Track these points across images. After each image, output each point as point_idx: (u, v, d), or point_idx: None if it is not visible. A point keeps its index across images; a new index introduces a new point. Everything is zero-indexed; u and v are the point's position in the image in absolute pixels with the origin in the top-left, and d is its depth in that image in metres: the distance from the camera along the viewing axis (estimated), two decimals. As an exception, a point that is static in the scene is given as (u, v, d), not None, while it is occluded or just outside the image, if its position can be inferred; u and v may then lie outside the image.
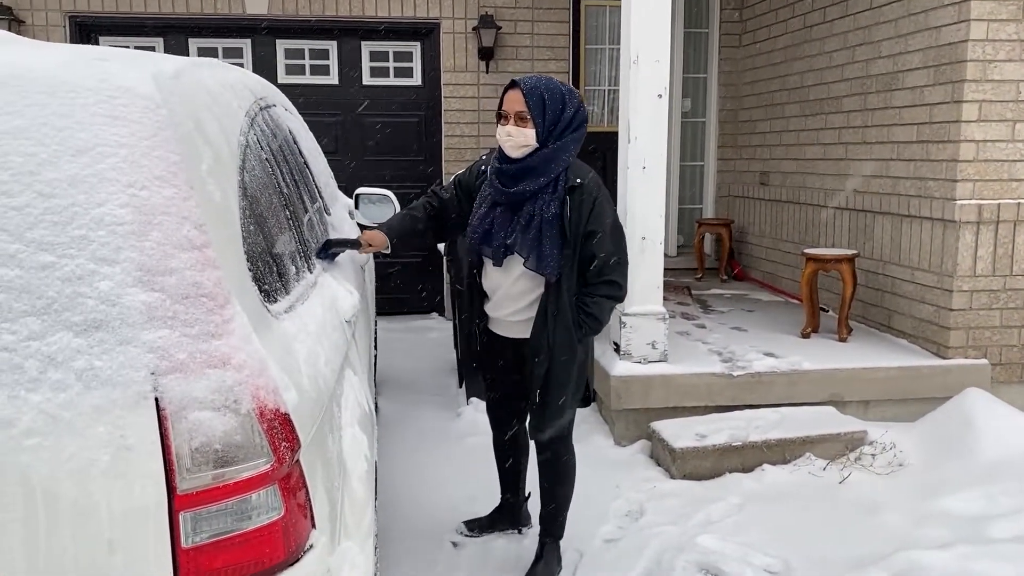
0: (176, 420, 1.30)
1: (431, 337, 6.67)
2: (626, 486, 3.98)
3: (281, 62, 7.06)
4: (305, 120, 6.51)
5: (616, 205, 4.67)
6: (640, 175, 4.44)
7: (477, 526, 3.46)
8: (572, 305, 2.84)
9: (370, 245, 2.99)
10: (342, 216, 3.66)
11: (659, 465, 4.26)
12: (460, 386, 3.23)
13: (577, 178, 2.80)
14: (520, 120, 2.76)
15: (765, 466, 4.14)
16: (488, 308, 3.06)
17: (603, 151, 7.09)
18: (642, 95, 4.39)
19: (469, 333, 3.18)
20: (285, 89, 6.85)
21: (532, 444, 3.15)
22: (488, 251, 2.90)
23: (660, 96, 4.41)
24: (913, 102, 4.95)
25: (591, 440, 4.52)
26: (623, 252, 2.89)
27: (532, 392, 2.93)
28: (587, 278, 2.84)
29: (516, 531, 3.48)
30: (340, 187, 4.59)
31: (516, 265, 2.86)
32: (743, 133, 7.37)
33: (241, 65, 6.83)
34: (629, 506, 3.80)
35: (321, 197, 3.18)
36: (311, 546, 1.47)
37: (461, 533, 3.46)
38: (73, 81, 1.49)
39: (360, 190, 3.97)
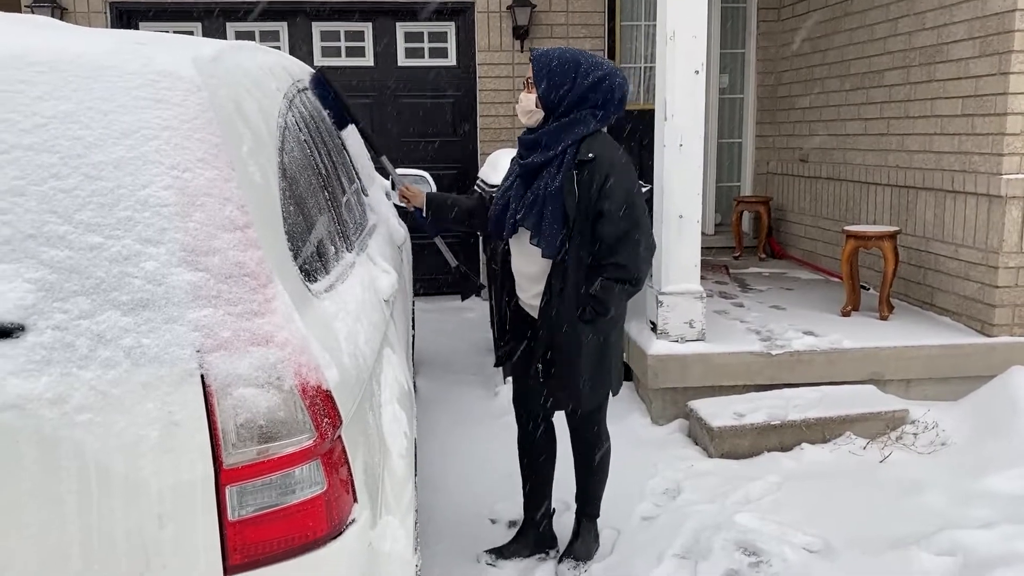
0: (221, 396, 1.33)
1: (468, 317, 6.70)
2: (663, 465, 3.99)
3: (317, 45, 7.10)
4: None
5: (652, 184, 4.69)
6: (676, 153, 4.41)
7: (499, 554, 3.18)
8: (580, 287, 2.71)
9: (408, 196, 3.04)
10: (379, 197, 3.68)
11: (696, 444, 4.25)
12: (496, 366, 3.18)
13: (590, 152, 2.65)
14: (530, 87, 2.71)
15: (804, 445, 4.11)
16: (517, 289, 2.97)
17: (639, 129, 7.04)
18: (679, 71, 4.35)
19: (500, 316, 3.10)
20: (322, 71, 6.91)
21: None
22: (502, 226, 2.83)
23: (697, 72, 4.36)
24: (958, 74, 4.84)
25: (628, 419, 4.52)
26: (635, 233, 2.68)
27: (532, 367, 2.85)
28: (598, 258, 2.70)
29: (542, 555, 3.20)
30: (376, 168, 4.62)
31: (527, 242, 2.77)
32: (782, 109, 7.26)
33: (278, 48, 6.91)
34: (666, 484, 3.81)
35: (359, 178, 3.21)
36: (353, 520, 1.50)
37: (484, 562, 3.16)
38: (117, 66, 1.52)
39: (397, 171, 3.98)
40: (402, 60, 7.16)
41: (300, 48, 6.99)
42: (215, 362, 1.34)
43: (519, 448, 3.20)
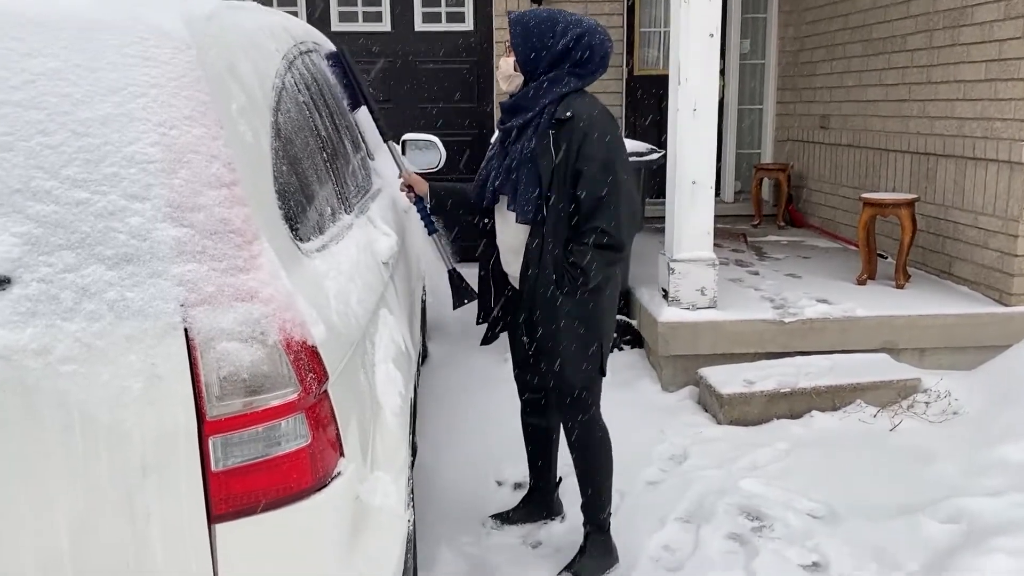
0: (205, 350, 1.35)
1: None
2: (671, 431, 4.00)
3: (335, 9, 7.07)
4: (359, 67, 6.50)
5: (665, 149, 4.65)
6: (690, 118, 4.36)
7: (503, 519, 3.18)
8: (559, 255, 2.57)
9: (411, 185, 2.89)
10: (387, 162, 3.68)
11: (706, 411, 4.26)
12: (483, 344, 3.04)
13: (568, 111, 2.52)
14: (509, 51, 2.63)
15: (814, 412, 4.10)
16: (502, 263, 2.83)
17: (658, 94, 6.97)
18: (693, 34, 4.28)
19: (481, 288, 2.93)
20: (338, 37, 6.88)
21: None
22: (483, 195, 2.71)
23: (712, 36, 4.30)
24: (982, 38, 4.73)
25: (638, 385, 4.53)
26: (615, 194, 2.52)
27: (516, 337, 2.77)
28: (577, 223, 2.56)
29: (546, 521, 3.20)
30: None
31: (508, 211, 2.65)
32: (803, 75, 7.14)
33: (295, 13, 6.89)
34: (673, 450, 3.82)
35: (365, 143, 3.21)
36: (339, 473, 1.53)
37: (489, 526, 3.16)
38: (106, 23, 1.53)
39: (406, 136, 3.97)
40: (419, 25, 7.11)
41: (317, 12, 6.97)
42: (199, 316, 1.36)
43: (521, 418, 3.15)
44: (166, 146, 1.44)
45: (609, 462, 2.89)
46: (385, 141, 3.13)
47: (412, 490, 2.44)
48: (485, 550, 3.03)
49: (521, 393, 3.09)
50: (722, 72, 7.36)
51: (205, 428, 1.35)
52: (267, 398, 1.40)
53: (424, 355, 4.93)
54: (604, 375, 2.82)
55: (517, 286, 2.80)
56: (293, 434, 1.43)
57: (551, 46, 2.55)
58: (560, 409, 2.84)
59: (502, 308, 2.92)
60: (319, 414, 1.49)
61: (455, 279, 2.96)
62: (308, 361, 1.46)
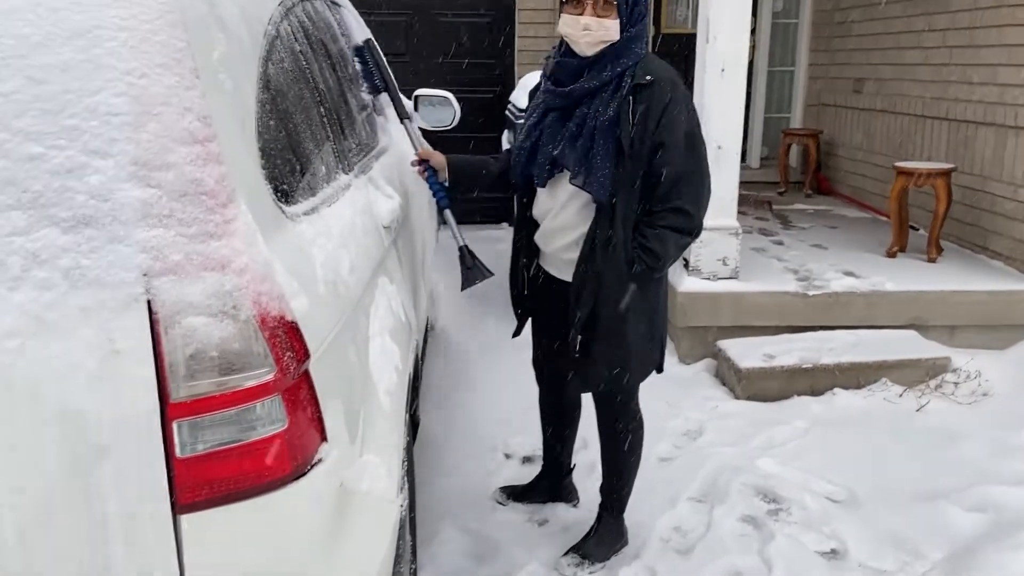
0: (169, 325, 1.22)
1: (500, 248, 6.52)
2: (687, 405, 3.87)
3: (352, -41, 6.84)
4: (375, 19, 6.31)
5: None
6: (718, 79, 4.15)
7: (511, 494, 3.05)
8: (628, 238, 2.30)
9: (428, 159, 2.60)
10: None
11: (723, 385, 4.12)
12: (515, 336, 2.82)
13: (648, 75, 2.22)
14: (601, 8, 2.20)
15: (836, 390, 3.96)
16: (537, 239, 2.52)
17: (685, 55, 6.72)
18: (723, -10, 4.07)
19: (513, 271, 2.67)
20: (354, -13, 6.68)
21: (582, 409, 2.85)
22: (534, 170, 2.37)
23: (743, -9, 4.08)
24: (1030, 0, 4.47)
25: (654, 356, 4.39)
26: (699, 173, 2.29)
27: (572, 340, 2.42)
28: (652, 203, 2.29)
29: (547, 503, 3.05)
30: (407, 90, 4.44)
31: (563, 185, 2.34)
32: (838, 36, 6.85)
33: (311, -38, 6.67)
34: (688, 425, 3.69)
35: (372, 98, 3.04)
36: (320, 460, 1.40)
37: (497, 500, 3.05)
38: (74, -42, 1.38)
39: (419, 91, 3.81)
40: (440, -24, 6.89)
41: (334, -37, 6.74)
42: (163, 287, 1.22)
43: (540, 407, 2.96)
44: (133, 97, 1.30)
45: (640, 452, 2.74)
46: (401, 121, 2.89)
47: (411, 468, 2.32)
48: (490, 527, 2.93)
49: (548, 392, 2.88)
50: (752, 31, 7.08)
51: (169, 411, 1.22)
52: (239, 379, 1.27)
53: (433, 321, 4.81)
54: (661, 371, 2.62)
55: (551, 268, 2.55)
56: (268, 418, 1.31)
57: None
58: (602, 402, 2.65)
59: (528, 293, 2.68)
60: (298, 396, 1.36)
61: (467, 257, 2.63)
62: (286, 338, 1.33)
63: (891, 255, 4.89)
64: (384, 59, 2.99)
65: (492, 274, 2.62)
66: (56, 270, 1.19)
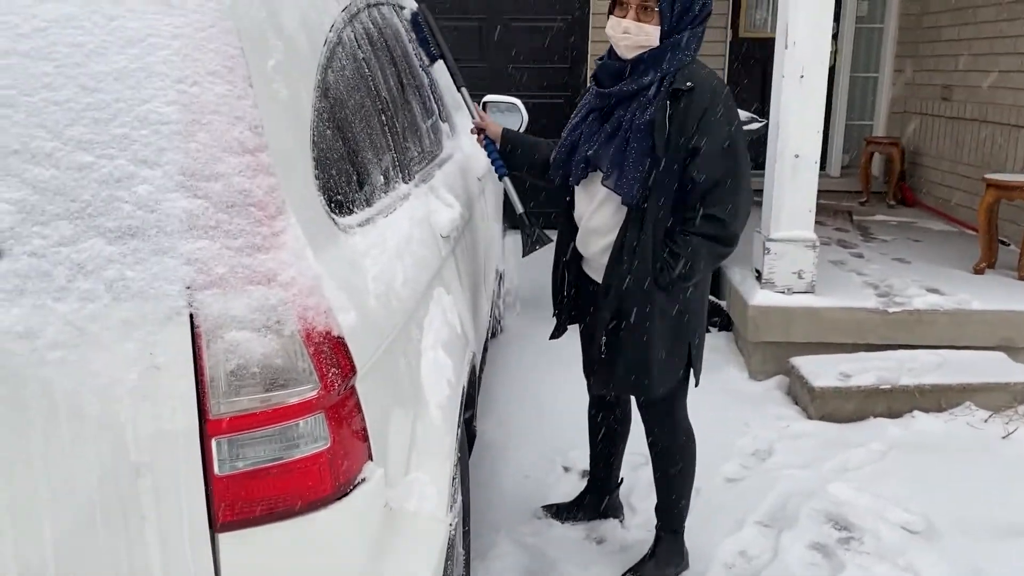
0: (211, 339, 1.19)
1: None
2: (756, 423, 3.73)
3: (427, -36, 6.87)
4: (448, 24, 6.31)
5: (768, 118, 4.31)
6: (796, 85, 4.01)
7: (555, 512, 2.98)
8: (659, 243, 2.28)
9: (485, 128, 2.71)
10: (465, 124, 3.49)
11: (795, 404, 3.96)
12: (552, 337, 2.79)
13: (688, 81, 2.21)
14: (644, 12, 2.20)
15: (916, 413, 3.77)
16: (577, 242, 2.52)
17: (764, 59, 6.54)
18: (804, -6, 3.92)
19: (555, 277, 2.66)
20: (430, -8, 6.71)
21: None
22: (571, 168, 2.38)
23: (826, -5, 3.92)
24: None
25: (724, 371, 4.27)
26: (736, 182, 2.24)
27: (596, 340, 2.41)
28: (684, 210, 2.27)
29: (599, 520, 2.97)
30: (478, 94, 4.41)
31: (598, 186, 2.32)
32: (925, 41, 6.57)
33: (387, -33, 6.72)
34: (757, 444, 3.56)
35: (437, 105, 3.01)
36: (364, 479, 1.36)
37: (537, 517, 2.98)
38: (132, -34, 1.37)
39: (488, 97, 3.77)
40: (513, -19, 6.86)
41: (410, -32, 6.78)
42: (207, 301, 1.20)
43: (588, 417, 2.91)
44: (184, 105, 1.28)
45: (692, 468, 2.66)
46: (458, 89, 2.94)
47: (466, 481, 2.28)
48: (546, 542, 2.86)
49: (590, 389, 2.84)
50: (835, 36, 6.86)
51: (208, 427, 1.20)
52: (281, 395, 1.24)
53: (500, 328, 4.77)
54: (697, 384, 2.54)
55: (591, 272, 2.53)
56: (311, 436, 1.27)
57: (692, 6, 2.23)
58: (642, 412, 2.60)
59: (573, 299, 2.65)
60: (342, 413, 1.32)
61: (525, 223, 2.67)
62: (332, 353, 1.29)
63: (979, 271, 4.64)
64: (437, 27, 3.00)
65: (551, 240, 2.65)
66: (100, 281, 1.17)
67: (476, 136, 2.75)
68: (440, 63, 3.06)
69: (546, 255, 2.73)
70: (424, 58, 2.97)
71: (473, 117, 2.80)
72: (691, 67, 2.27)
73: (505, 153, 2.72)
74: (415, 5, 3.20)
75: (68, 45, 1.28)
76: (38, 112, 1.23)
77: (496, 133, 2.72)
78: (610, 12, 2.30)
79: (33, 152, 1.21)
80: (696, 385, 2.56)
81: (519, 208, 2.70)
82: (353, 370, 1.34)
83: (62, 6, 1.31)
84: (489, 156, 2.73)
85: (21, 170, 1.20)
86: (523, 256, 2.69)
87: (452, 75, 2.99)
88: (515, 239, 3.06)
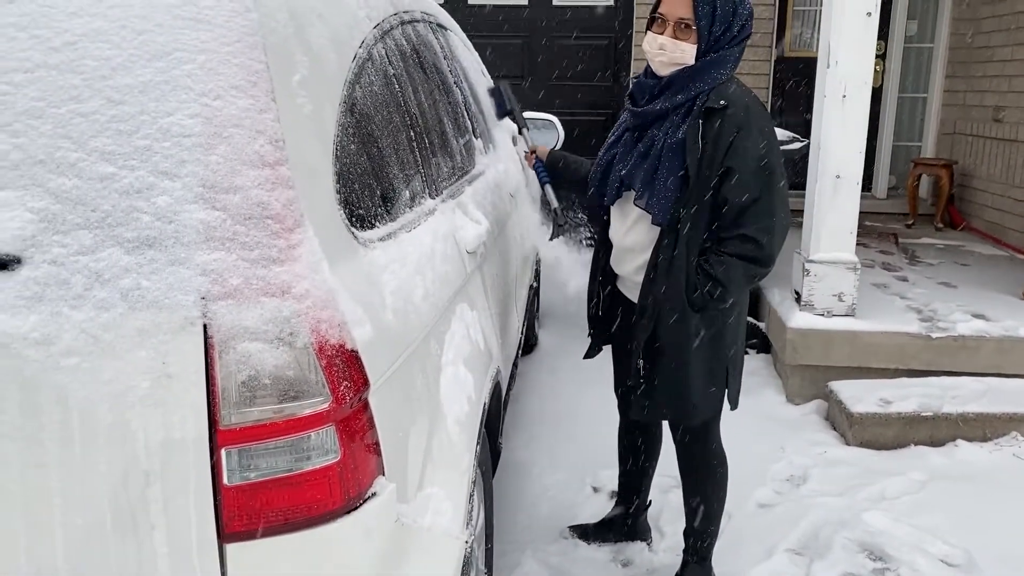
0: (224, 350, 1.20)
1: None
2: (792, 448, 3.66)
3: (472, -18, 6.94)
4: (493, 42, 6.36)
5: (809, 138, 4.25)
6: (838, 105, 3.95)
7: (583, 533, 2.95)
8: (692, 263, 2.25)
9: (535, 151, 2.94)
10: (503, 140, 3.51)
11: (834, 429, 3.88)
12: (586, 357, 2.82)
13: (721, 100, 2.17)
14: (681, 30, 2.18)
15: (959, 442, 3.66)
16: (612, 262, 2.51)
17: (810, 78, 6.45)
18: (848, 12, 3.86)
19: (590, 295, 2.65)
20: (474, 10, 6.77)
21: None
22: (606, 187, 2.38)
23: (870, 14, 3.86)
24: None
25: (760, 394, 4.19)
26: (770, 202, 2.20)
27: (632, 360, 2.37)
28: (719, 230, 2.23)
29: (627, 542, 2.94)
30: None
31: (631, 206, 2.31)
32: (977, 61, 6.43)
33: (431, -14, 6.80)
34: (792, 470, 3.49)
35: (472, 121, 3.03)
36: (374, 494, 1.36)
37: (564, 537, 2.95)
38: (164, -19, 1.40)
39: (525, 115, 3.78)
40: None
41: (454, -15, 6.86)
42: (220, 311, 1.21)
43: (619, 438, 2.89)
44: (206, 118, 1.30)
45: (723, 493, 2.61)
46: (519, 131, 3.19)
47: (490, 498, 2.27)
48: (571, 562, 2.83)
49: (622, 410, 2.81)
50: (882, 56, 6.76)
51: (218, 437, 1.20)
52: (292, 407, 1.24)
53: (533, 344, 4.75)
54: (735, 407, 2.49)
55: (626, 291, 2.52)
56: (321, 449, 1.27)
57: (731, 27, 2.20)
58: (675, 436, 2.57)
59: (608, 318, 2.64)
60: (354, 427, 1.32)
61: (559, 216, 2.92)
62: (344, 366, 1.29)
63: (1028, 297, 4.51)
64: (514, 98, 3.29)
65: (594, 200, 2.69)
66: (116, 290, 1.19)
67: (528, 158, 2.99)
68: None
69: (583, 274, 2.77)
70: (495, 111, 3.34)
71: (528, 144, 3.03)
72: (726, 85, 2.24)
73: (550, 164, 2.91)
74: (459, 30, 3.30)
75: (96, 58, 1.31)
76: (64, 123, 1.26)
77: (543, 152, 2.94)
78: (648, 28, 2.29)
79: (58, 162, 1.23)
80: (733, 408, 2.50)
81: (554, 204, 2.92)
82: (366, 383, 1.34)
83: (93, 21, 1.34)
84: (536, 171, 2.95)
85: (45, 179, 1.22)
86: (549, 239, 2.97)
87: (518, 125, 3.21)
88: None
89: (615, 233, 2.47)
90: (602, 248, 2.58)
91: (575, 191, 2.81)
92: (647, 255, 2.32)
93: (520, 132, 3.17)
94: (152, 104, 1.30)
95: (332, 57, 1.68)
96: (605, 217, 2.53)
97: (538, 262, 4.46)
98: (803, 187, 4.24)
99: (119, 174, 1.25)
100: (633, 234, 2.38)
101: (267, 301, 1.24)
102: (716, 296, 2.24)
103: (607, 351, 2.74)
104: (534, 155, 2.94)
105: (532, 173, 3.02)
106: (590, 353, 2.74)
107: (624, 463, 2.91)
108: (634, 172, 2.29)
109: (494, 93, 3.35)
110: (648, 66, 2.32)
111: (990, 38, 6.24)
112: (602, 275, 2.59)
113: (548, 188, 2.90)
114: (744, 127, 2.18)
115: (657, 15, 2.25)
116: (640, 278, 2.35)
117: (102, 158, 1.25)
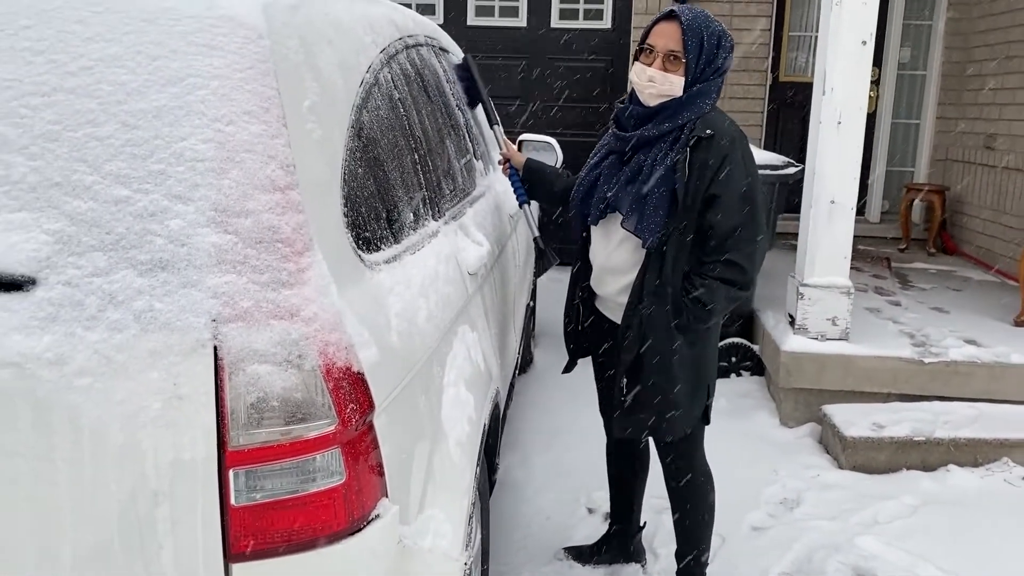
0: (233, 372, 1.22)
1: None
2: (785, 472, 3.68)
3: (472, 3, 7.01)
4: (492, 64, 6.41)
5: (805, 164, 4.30)
6: (833, 131, 4.00)
7: (576, 555, 2.95)
8: (678, 286, 2.31)
9: (510, 157, 2.89)
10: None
11: (827, 452, 3.90)
12: (564, 371, 2.83)
13: (708, 129, 2.24)
14: (670, 62, 2.24)
15: (951, 467, 3.68)
16: (592, 282, 2.56)
17: (804, 103, 6.52)
18: (843, 40, 3.92)
19: (568, 312, 2.68)
20: (473, 31, 6.84)
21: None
22: (588, 208, 2.42)
23: (864, 43, 3.92)
24: None
25: (754, 417, 4.22)
26: (753, 228, 2.28)
27: (616, 381, 2.42)
28: (703, 255, 2.30)
29: (621, 564, 2.94)
30: (516, 133, 4.46)
31: (616, 228, 2.36)
32: (969, 89, 6.52)
33: (432, 8, 6.87)
34: (785, 493, 3.50)
35: (472, 143, 3.06)
36: (378, 516, 1.38)
37: (558, 559, 2.96)
38: (176, 8, 1.43)
39: (524, 136, 3.83)
40: (555, 21, 6.96)
41: (454, 7, 6.92)
42: (231, 334, 1.23)
43: (607, 457, 2.92)
44: (219, 143, 1.33)
45: (710, 510, 2.64)
46: (491, 126, 3.11)
47: (486, 519, 2.28)
48: (566, 584, 2.84)
49: (608, 431, 2.83)
50: (876, 82, 6.84)
51: (227, 458, 1.22)
52: (299, 429, 1.26)
53: (528, 362, 4.77)
54: (708, 423, 2.54)
55: (606, 311, 2.57)
56: (326, 471, 1.29)
57: (715, 61, 2.28)
58: (660, 453, 2.60)
59: (585, 335, 2.68)
60: (359, 449, 1.34)
61: (540, 246, 2.89)
62: (351, 389, 1.31)
63: (1020, 324, 4.55)
64: (479, 74, 3.19)
65: (558, 260, 2.85)
66: (129, 312, 1.21)
67: (502, 166, 2.93)
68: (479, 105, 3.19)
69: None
70: (465, 100, 3.12)
71: (501, 148, 2.97)
72: (711, 115, 2.32)
73: (526, 178, 2.87)
74: (460, 53, 3.31)
75: (112, 83, 1.34)
76: (80, 147, 1.28)
77: (519, 162, 2.87)
78: (636, 58, 2.35)
79: (73, 185, 1.26)
80: (707, 424, 2.55)
81: (535, 232, 2.91)
82: (371, 406, 1.36)
83: (109, 47, 1.37)
84: (512, 184, 2.88)
85: (61, 202, 1.25)
86: (536, 276, 3.01)
87: (488, 114, 3.11)
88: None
89: (596, 254, 2.51)
90: (580, 267, 2.61)
91: (548, 204, 2.89)
92: (630, 277, 2.37)
93: (491, 127, 3.09)
94: (166, 129, 1.32)
95: (340, 83, 1.71)
96: (584, 234, 2.57)
97: (534, 281, 4.49)
98: (798, 210, 4.28)
99: (133, 197, 1.27)
100: (617, 255, 2.42)
101: (276, 324, 1.26)
102: (701, 318, 2.31)
103: (585, 365, 2.78)
104: (508, 164, 2.91)
105: (508, 184, 2.97)
106: (568, 368, 2.79)
107: (614, 484, 2.93)
108: (620, 195, 2.33)
109: (460, 70, 3.14)
110: (633, 93, 2.38)
111: (982, 66, 6.33)
112: (582, 294, 2.62)
113: (528, 211, 2.89)
114: (730, 155, 2.25)
115: (646, 46, 2.31)
116: (623, 299, 2.40)
117: (117, 181, 1.28)
